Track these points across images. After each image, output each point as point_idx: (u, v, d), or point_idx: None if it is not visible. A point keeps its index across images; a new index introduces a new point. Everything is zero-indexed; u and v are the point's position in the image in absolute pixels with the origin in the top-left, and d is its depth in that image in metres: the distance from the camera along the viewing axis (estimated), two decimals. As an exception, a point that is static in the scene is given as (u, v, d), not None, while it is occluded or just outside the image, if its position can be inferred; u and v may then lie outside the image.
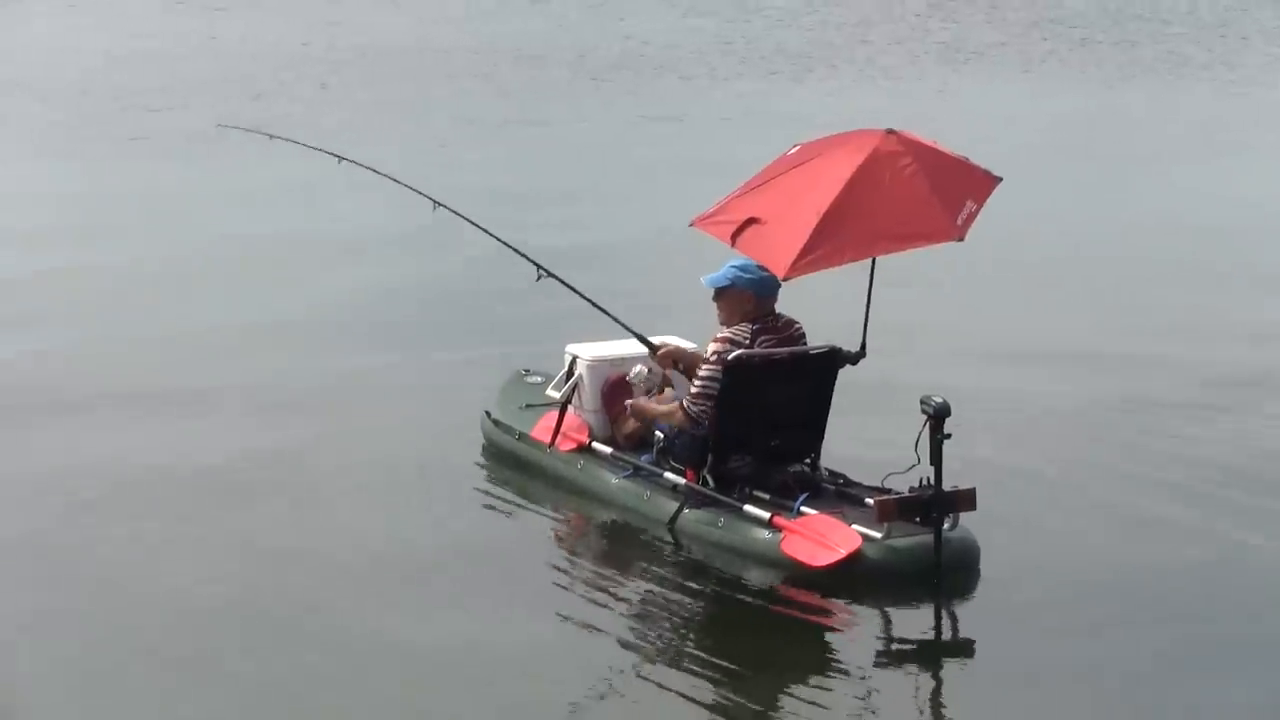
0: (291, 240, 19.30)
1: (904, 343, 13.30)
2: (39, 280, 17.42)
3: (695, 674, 9.23)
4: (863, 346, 10.73)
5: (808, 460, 10.89)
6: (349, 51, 36.60)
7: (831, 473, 10.85)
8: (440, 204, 12.27)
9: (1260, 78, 33.97)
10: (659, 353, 11.22)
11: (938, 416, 9.90)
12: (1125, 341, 15.48)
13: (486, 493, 11.73)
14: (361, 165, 12.86)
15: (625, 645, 9.52)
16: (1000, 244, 17.75)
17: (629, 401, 11.36)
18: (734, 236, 10.45)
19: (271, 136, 14.40)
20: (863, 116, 26.26)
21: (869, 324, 10.70)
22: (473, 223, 12.20)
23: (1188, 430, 13.00)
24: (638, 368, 11.39)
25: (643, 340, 11.38)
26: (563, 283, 11.82)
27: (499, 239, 12.13)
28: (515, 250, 12.02)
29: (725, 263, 10.86)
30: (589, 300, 11.68)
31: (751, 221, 10.39)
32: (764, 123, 25.55)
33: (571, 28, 42.90)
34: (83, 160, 24.38)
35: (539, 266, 11.88)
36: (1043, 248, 19.10)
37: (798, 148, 10.85)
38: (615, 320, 11.57)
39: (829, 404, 10.86)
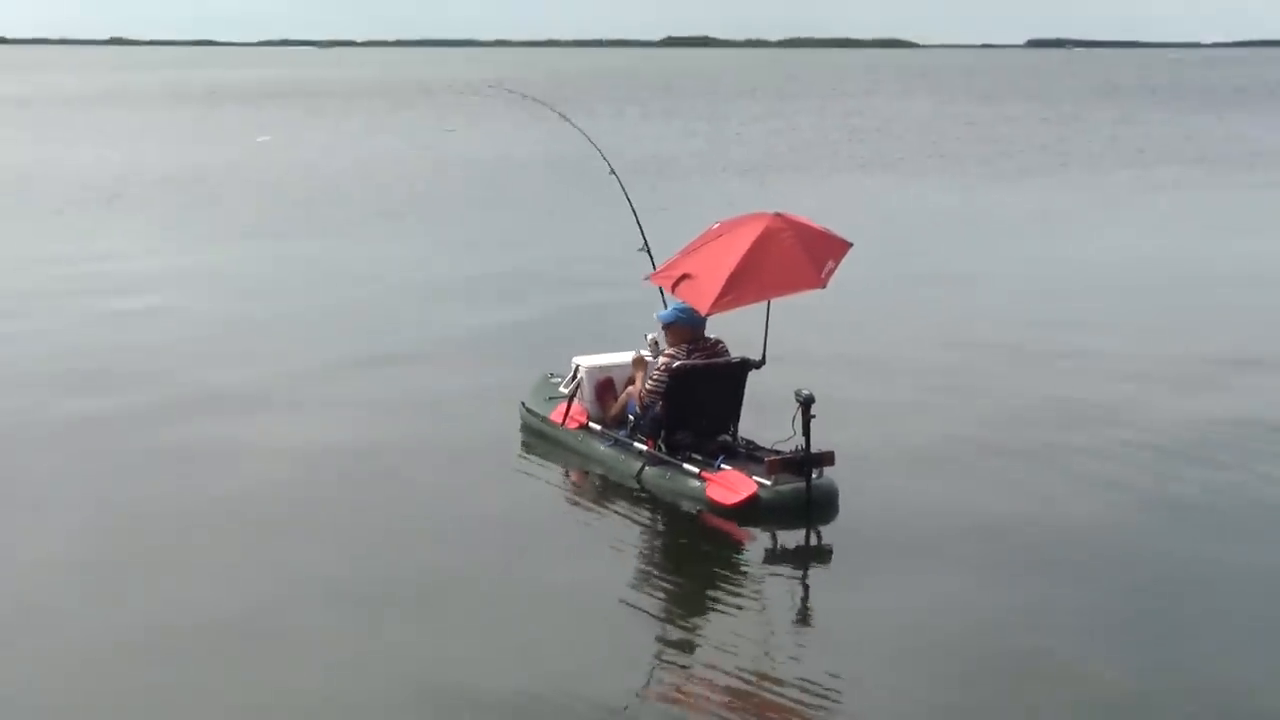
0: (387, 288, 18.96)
1: (794, 355, 12.96)
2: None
3: (643, 575, 9.17)
4: (763, 357, 10.57)
5: (730, 433, 10.70)
6: (432, 162, 36.73)
7: (747, 441, 10.65)
8: (614, 170, 12.54)
9: (1083, 180, 33.67)
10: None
11: (806, 403, 9.81)
12: (956, 351, 15.26)
13: (521, 456, 11.51)
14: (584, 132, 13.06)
15: (600, 558, 9.36)
16: (870, 290, 17.75)
17: (635, 370, 11.14)
18: (674, 287, 10.35)
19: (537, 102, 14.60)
20: (794, 206, 26.38)
21: (768, 342, 10.54)
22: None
23: (1012, 413, 12.72)
24: (651, 335, 11.25)
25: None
26: (650, 258, 11.72)
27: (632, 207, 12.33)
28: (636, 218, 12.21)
29: (672, 304, 10.78)
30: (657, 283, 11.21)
31: (685, 276, 10.27)
32: (735, 210, 25.35)
33: (603, 140, 42.74)
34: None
35: (645, 241, 11.91)
36: (902, 293, 18.85)
37: (718, 224, 10.68)
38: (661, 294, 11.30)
39: (742, 396, 10.71)
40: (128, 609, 8.36)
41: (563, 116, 13.14)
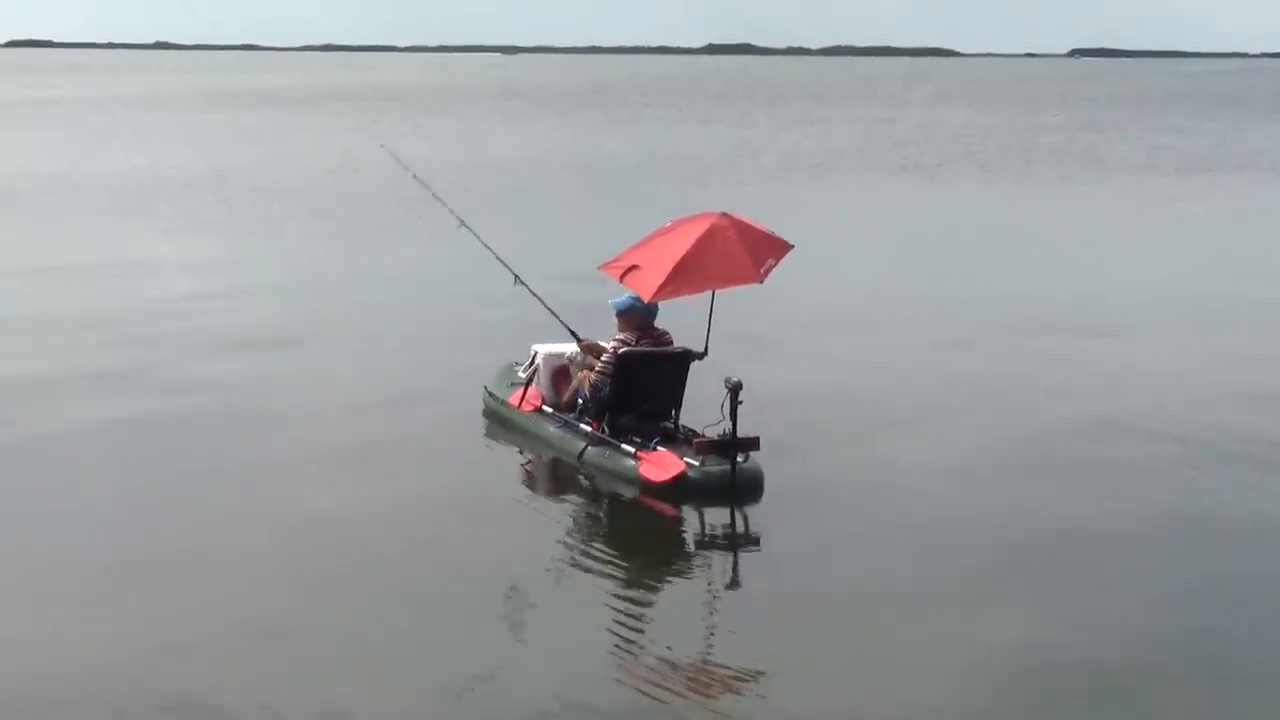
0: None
1: (735, 347, 12.99)
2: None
3: (579, 544, 9.68)
4: (705, 349, 11.11)
5: (672, 420, 11.16)
6: (486, 163, 37.49)
7: (685, 426, 11.09)
8: (521, 281, 12.28)
9: (1120, 189, 34.08)
10: (582, 344, 11.70)
11: (734, 390, 10.29)
12: (888, 342, 15.83)
13: (482, 435, 12.13)
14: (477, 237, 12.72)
15: (537, 534, 9.82)
16: (816, 289, 18.23)
17: (574, 370, 11.73)
18: (622, 276, 10.92)
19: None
20: (819, 211, 26.78)
21: (710, 334, 11.07)
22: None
23: (929, 412, 13.02)
24: (572, 349, 11.84)
25: (573, 334, 11.81)
26: (529, 290, 12.18)
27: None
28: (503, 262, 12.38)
29: (624, 292, 11.22)
30: (545, 305, 12.03)
31: (634, 267, 10.85)
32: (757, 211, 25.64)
33: (639, 144, 43.64)
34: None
35: (516, 276, 12.26)
36: (856, 295, 19.20)
37: (670, 221, 11.28)
38: (560, 321, 11.87)
39: (684, 384, 11.19)
40: (139, 608, 8.51)
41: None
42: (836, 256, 22.51)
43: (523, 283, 12.31)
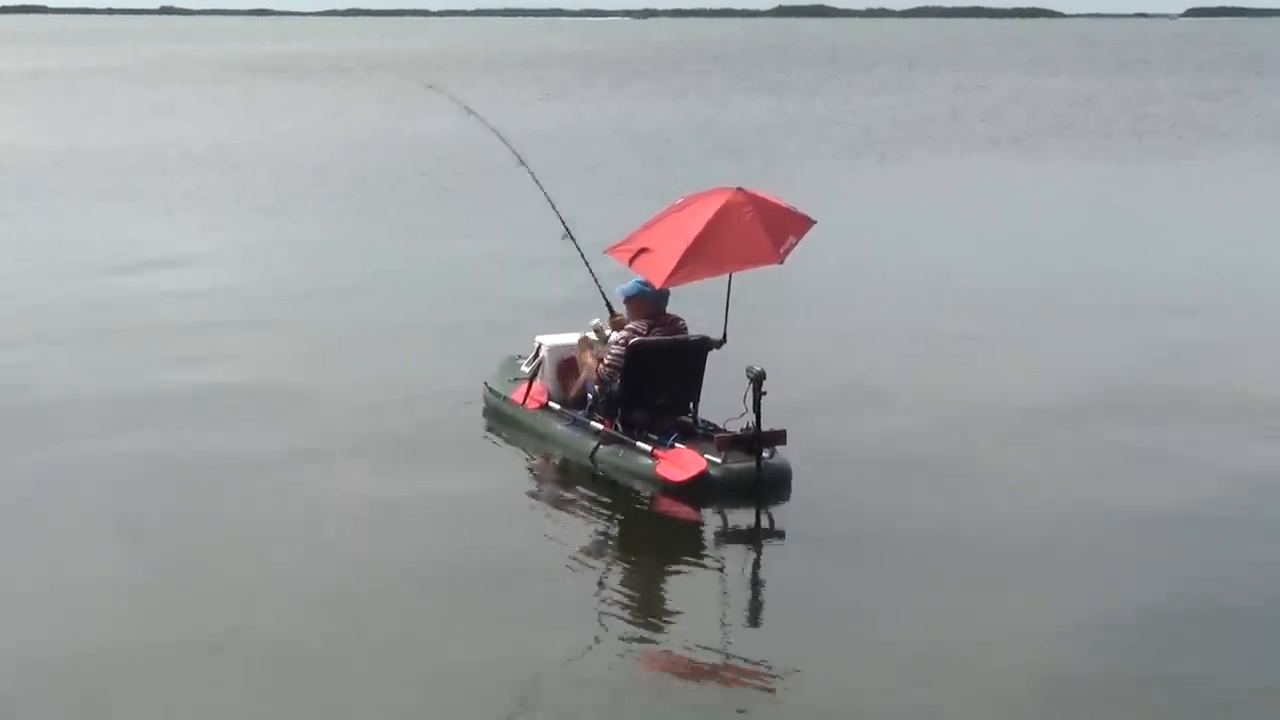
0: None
1: (757, 335, 13.35)
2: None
3: (595, 551, 10.05)
4: (724, 336, 11.34)
5: (689, 414, 11.39)
6: (519, 136, 37.57)
7: (705, 421, 11.32)
8: (566, 231, 12.56)
9: (1233, 163, 34.07)
10: (613, 318, 11.85)
11: (757, 380, 10.53)
12: (914, 334, 16.01)
13: (483, 435, 12.43)
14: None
15: (555, 534, 10.23)
16: (835, 267, 17.82)
17: (580, 351, 11.95)
18: (631, 260, 11.17)
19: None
20: (902, 188, 26.74)
21: (729, 320, 11.31)
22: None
23: (957, 395, 13.49)
24: (595, 321, 11.98)
25: (609, 305, 11.97)
26: (577, 247, 12.34)
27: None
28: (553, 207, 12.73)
29: (632, 277, 11.48)
30: (590, 270, 12.20)
31: (643, 250, 11.10)
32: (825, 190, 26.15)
33: (694, 116, 43.94)
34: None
35: (566, 229, 12.51)
36: (866, 272, 18.82)
37: (682, 198, 11.52)
38: (601, 291, 12.04)
39: (702, 375, 11.42)
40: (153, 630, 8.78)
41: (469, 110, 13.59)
42: (908, 239, 22.64)
43: (571, 237, 12.46)
